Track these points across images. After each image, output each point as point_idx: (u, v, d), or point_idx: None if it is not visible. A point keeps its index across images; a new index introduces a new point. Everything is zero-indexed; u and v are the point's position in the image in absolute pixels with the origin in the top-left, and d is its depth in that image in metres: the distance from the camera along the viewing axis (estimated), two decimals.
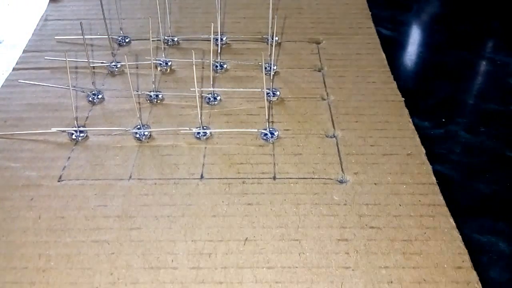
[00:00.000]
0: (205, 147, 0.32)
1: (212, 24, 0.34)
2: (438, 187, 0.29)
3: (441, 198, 0.28)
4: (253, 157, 0.31)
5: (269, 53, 0.38)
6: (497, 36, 0.42)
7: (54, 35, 0.42)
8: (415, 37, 0.43)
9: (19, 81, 0.37)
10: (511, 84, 0.37)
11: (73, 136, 0.32)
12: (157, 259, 0.25)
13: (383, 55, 0.40)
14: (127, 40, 0.42)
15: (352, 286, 0.24)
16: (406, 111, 0.34)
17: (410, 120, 0.33)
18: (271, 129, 0.33)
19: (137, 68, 0.39)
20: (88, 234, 0.27)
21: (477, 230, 0.27)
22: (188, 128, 0.33)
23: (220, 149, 0.32)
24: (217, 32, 0.39)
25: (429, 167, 0.30)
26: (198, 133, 0.32)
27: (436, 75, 0.38)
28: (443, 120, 0.33)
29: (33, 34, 0.43)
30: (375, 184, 0.29)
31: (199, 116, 0.33)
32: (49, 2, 0.46)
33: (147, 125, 0.33)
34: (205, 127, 0.33)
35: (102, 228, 0.27)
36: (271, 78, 0.37)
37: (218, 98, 0.35)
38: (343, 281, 0.24)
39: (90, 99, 0.36)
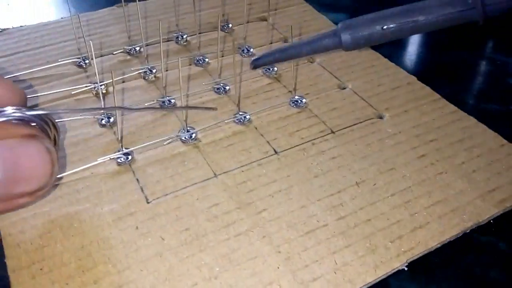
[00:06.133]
0: (256, 128, 0.33)
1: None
2: (445, 100, 0.36)
3: (453, 105, 0.35)
4: (301, 123, 0.34)
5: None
6: (497, 36, 0.44)
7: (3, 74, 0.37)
8: (415, 37, 0.44)
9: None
10: (511, 84, 0.38)
11: (120, 160, 0.31)
12: (305, 224, 0.27)
13: (323, 16, 0.45)
14: (86, 61, 0.39)
15: (453, 183, 0.29)
16: (378, 54, 0.41)
17: (387, 59, 0.40)
18: (297, 96, 0.36)
19: (123, 82, 0.37)
20: (226, 231, 0.27)
21: (477, 230, 0.27)
22: (232, 116, 0.33)
23: (269, 125, 0.33)
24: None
25: (428, 88, 0.37)
26: (239, 119, 0.34)
27: (436, 75, 0.39)
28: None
29: None
30: (405, 111, 0.35)
31: (238, 101, 0.34)
32: None
33: (190, 127, 0.33)
34: (241, 112, 0.34)
35: (233, 222, 0.27)
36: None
37: (227, 87, 0.36)
38: (447, 183, 0.29)
39: (103, 122, 0.33)
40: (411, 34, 0.23)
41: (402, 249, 0.26)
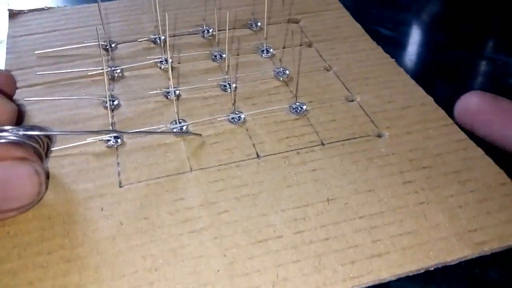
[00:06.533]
0: (247, 129, 0.33)
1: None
2: (457, 126, 0.33)
3: (463, 133, 0.33)
4: (294, 130, 0.33)
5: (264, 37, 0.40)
6: (497, 36, 0.44)
7: (31, 50, 0.40)
8: (415, 37, 0.44)
9: (25, 99, 0.35)
10: (511, 84, 0.38)
11: (110, 143, 0.32)
12: (260, 233, 0.27)
13: (358, 25, 0.44)
14: (112, 45, 0.41)
15: (432, 216, 0.28)
16: (401, 69, 0.39)
17: (408, 76, 0.38)
18: (298, 103, 0.35)
19: (138, 69, 0.38)
20: (181, 227, 0.27)
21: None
22: (226, 115, 0.34)
23: (261, 128, 0.33)
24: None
25: (442, 111, 0.35)
26: (233, 118, 0.34)
27: (436, 75, 0.39)
28: None
29: (6, 53, 0.40)
30: (408, 133, 0.33)
31: (233, 101, 0.34)
32: (9, 19, 0.44)
33: (182, 119, 0.33)
34: (237, 112, 0.34)
35: (192, 219, 0.27)
36: (281, 58, 0.39)
37: (234, 85, 0.37)
38: (425, 214, 0.28)
39: (107, 105, 0.35)
40: None
41: (351, 275, 0.25)
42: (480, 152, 0.32)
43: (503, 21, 0.45)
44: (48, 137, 0.28)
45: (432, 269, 0.26)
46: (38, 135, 0.26)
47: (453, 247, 0.26)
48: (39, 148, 0.26)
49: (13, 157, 0.24)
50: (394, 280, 0.25)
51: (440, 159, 0.31)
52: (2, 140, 0.24)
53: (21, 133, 0.25)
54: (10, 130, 0.25)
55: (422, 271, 0.25)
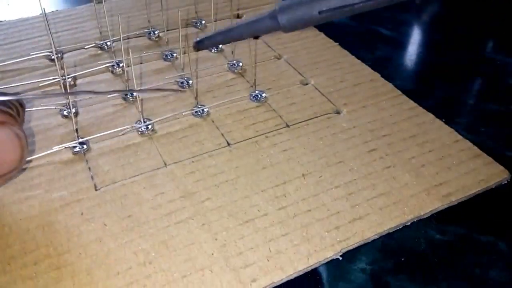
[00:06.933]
0: (212, 120, 0.34)
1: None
2: (406, 96, 0.36)
3: (413, 102, 0.35)
4: (258, 116, 0.34)
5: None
6: (497, 36, 0.44)
7: None
8: (415, 37, 0.44)
9: None
10: (511, 84, 0.38)
11: (76, 150, 0.31)
12: (245, 214, 0.27)
13: None
14: (58, 55, 0.40)
15: (400, 177, 0.30)
16: (346, 51, 0.41)
17: (354, 56, 0.40)
18: (257, 91, 0.36)
19: (90, 76, 0.38)
20: (167, 219, 0.27)
21: (477, 230, 0.27)
22: (189, 109, 0.34)
23: (226, 118, 0.34)
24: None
25: (390, 84, 0.37)
26: (197, 112, 0.34)
27: (436, 75, 0.39)
28: (443, 120, 0.34)
29: None
30: (363, 107, 0.35)
31: (195, 95, 0.34)
32: None
33: (146, 118, 0.34)
34: (200, 105, 0.35)
35: (176, 211, 0.28)
36: (233, 51, 0.40)
37: (194, 80, 0.37)
38: (393, 176, 0.30)
39: (65, 113, 0.34)
40: (346, 16, 0.23)
41: (338, 239, 0.26)
42: (430, 116, 0.34)
43: (503, 21, 0.45)
44: (19, 103, 0.26)
45: (409, 223, 0.27)
46: (8, 100, 0.24)
47: (424, 202, 0.28)
48: (13, 113, 0.24)
49: None
50: (394, 280, 0.25)
51: (396, 127, 0.33)
52: None
53: None
54: None
55: (400, 227, 0.27)
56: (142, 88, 0.36)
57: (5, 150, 0.23)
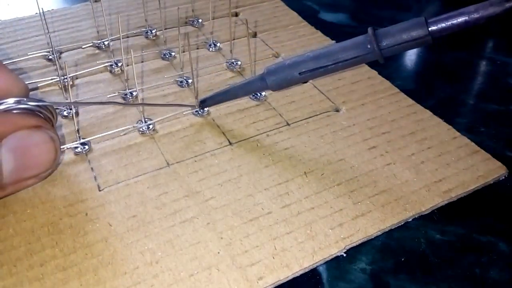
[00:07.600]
0: (213, 119, 0.34)
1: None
2: (403, 94, 0.37)
3: (411, 99, 0.36)
4: (259, 115, 0.35)
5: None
6: (497, 36, 0.44)
7: None
8: None
9: None
10: (511, 84, 0.38)
11: (78, 150, 0.31)
12: (249, 212, 0.28)
13: (295, 13, 0.46)
14: (56, 55, 0.40)
15: (400, 174, 0.30)
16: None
17: None
18: None
19: (89, 76, 0.38)
20: (172, 218, 0.27)
21: (477, 230, 0.27)
22: (190, 108, 0.34)
23: (227, 117, 0.34)
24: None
25: (388, 82, 0.38)
26: (197, 111, 0.34)
27: (436, 75, 0.39)
28: (443, 120, 0.34)
29: None
30: (362, 105, 0.36)
31: (196, 94, 0.35)
32: None
33: (147, 118, 0.34)
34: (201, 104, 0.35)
35: (180, 210, 0.28)
36: (232, 49, 0.40)
37: (194, 79, 0.37)
38: (394, 173, 0.30)
39: (65, 113, 0.34)
40: (324, 75, 0.27)
41: (342, 236, 0.26)
42: (428, 113, 0.35)
43: (503, 21, 0.45)
44: (53, 108, 0.28)
45: (410, 220, 0.28)
46: (44, 106, 0.27)
47: (424, 198, 0.29)
48: (50, 117, 0.27)
49: (29, 126, 0.25)
50: (394, 280, 0.25)
51: (395, 124, 0.34)
52: (17, 110, 0.25)
53: (33, 103, 0.26)
54: (24, 101, 0.26)
55: (402, 223, 0.28)
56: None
57: (41, 152, 0.25)
